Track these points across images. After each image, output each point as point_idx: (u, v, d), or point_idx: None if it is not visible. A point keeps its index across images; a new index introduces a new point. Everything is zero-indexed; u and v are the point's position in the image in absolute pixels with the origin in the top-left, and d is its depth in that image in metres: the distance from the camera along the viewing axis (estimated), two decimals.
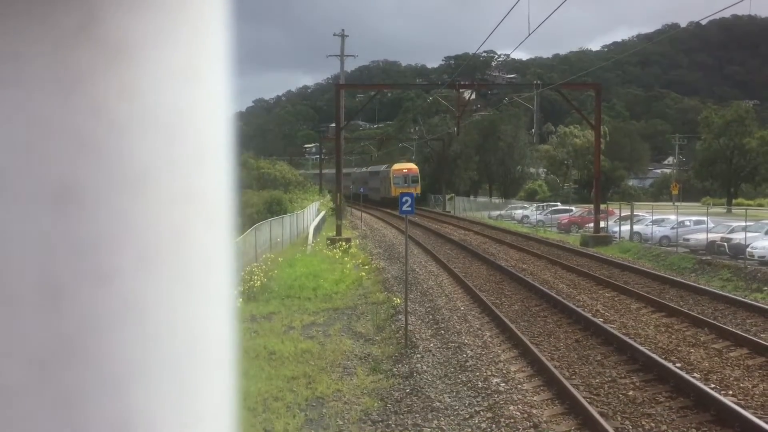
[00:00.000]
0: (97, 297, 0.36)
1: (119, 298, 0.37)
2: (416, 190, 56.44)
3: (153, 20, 0.38)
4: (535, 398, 9.45)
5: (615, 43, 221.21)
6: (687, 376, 9.77)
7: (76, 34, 0.36)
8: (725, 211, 49.72)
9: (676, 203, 47.58)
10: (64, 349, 0.36)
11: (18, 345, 0.35)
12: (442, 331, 13.38)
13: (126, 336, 0.37)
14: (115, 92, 0.37)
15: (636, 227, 31.64)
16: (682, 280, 18.61)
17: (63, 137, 0.35)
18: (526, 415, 8.78)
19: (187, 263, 0.40)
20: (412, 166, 65.70)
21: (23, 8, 0.35)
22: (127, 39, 0.37)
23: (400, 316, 13.93)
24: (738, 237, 23.97)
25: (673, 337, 12.64)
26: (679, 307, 14.63)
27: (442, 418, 8.83)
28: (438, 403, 9.33)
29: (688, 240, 27.32)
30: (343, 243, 26.01)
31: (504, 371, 10.67)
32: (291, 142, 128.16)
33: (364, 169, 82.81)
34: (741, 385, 9.91)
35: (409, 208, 12.72)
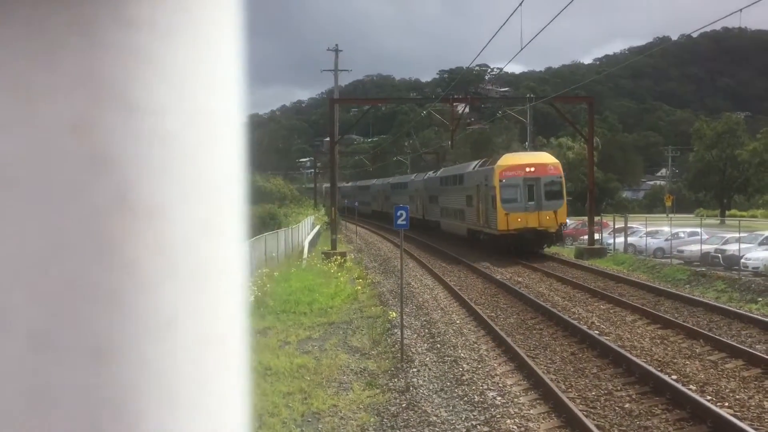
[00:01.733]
0: None
1: None
2: (559, 215, 28.41)
3: (180, 185, 0.40)
4: (531, 412, 9.43)
5: (607, 57, 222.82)
6: (683, 389, 9.78)
7: (114, 204, 0.38)
8: (719, 222, 49.90)
9: (670, 215, 47.77)
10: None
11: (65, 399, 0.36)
12: (438, 345, 13.36)
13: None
14: (146, 251, 0.38)
15: (630, 239, 31.72)
16: (677, 292, 18.63)
17: (98, 296, 0.37)
18: (522, 429, 8.77)
19: (215, 406, 0.41)
20: (546, 158, 30.79)
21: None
22: (160, 206, 0.39)
23: (395, 330, 13.90)
24: (732, 248, 24.07)
25: (668, 349, 12.65)
26: (674, 319, 14.65)
27: None
28: (434, 418, 9.30)
29: (682, 251, 27.41)
30: (338, 257, 25.98)
31: (500, 384, 10.65)
32: (285, 157, 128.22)
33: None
34: (737, 396, 9.92)
35: (404, 222, 12.74)
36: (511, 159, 29.75)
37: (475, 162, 34.43)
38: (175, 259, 0.39)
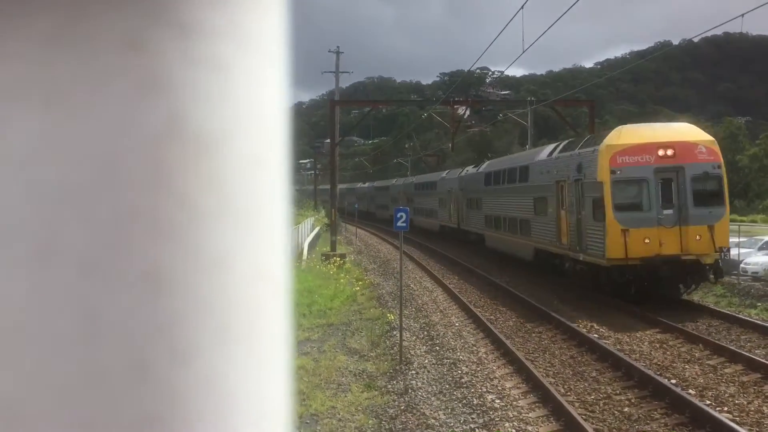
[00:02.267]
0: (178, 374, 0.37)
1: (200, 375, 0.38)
2: (718, 233, 16.82)
3: (233, 116, 0.40)
4: (530, 415, 9.42)
5: (608, 61, 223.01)
6: (682, 393, 9.76)
7: (165, 130, 0.37)
8: None
9: None
10: (150, 424, 0.36)
11: (103, 418, 0.36)
12: (437, 347, 13.35)
13: (206, 411, 0.38)
14: (199, 184, 0.38)
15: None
16: None
17: (149, 225, 0.37)
18: None
19: (261, 337, 0.41)
20: (692, 132, 17.72)
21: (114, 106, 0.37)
22: (211, 136, 0.39)
23: (394, 332, 13.89)
24: (731, 253, 24.03)
25: (667, 353, 12.63)
26: (673, 324, 14.63)
27: None
28: (433, 420, 9.28)
29: None
30: (338, 258, 25.97)
31: (499, 387, 10.64)
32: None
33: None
34: (736, 401, 9.90)
35: (404, 224, 12.73)
36: (631, 133, 17.47)
37: (553, 145, 22.78)
38: (227, 193, 0.39)
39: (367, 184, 77.66)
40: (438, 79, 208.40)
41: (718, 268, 16.83)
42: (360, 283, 21.32)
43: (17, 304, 0.36)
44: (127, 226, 0.37)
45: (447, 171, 42.73)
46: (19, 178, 0.36)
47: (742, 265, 22.16)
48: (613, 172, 16.79)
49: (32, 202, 0.36)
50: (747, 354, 11.95)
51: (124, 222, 0.36)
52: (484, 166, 31.49)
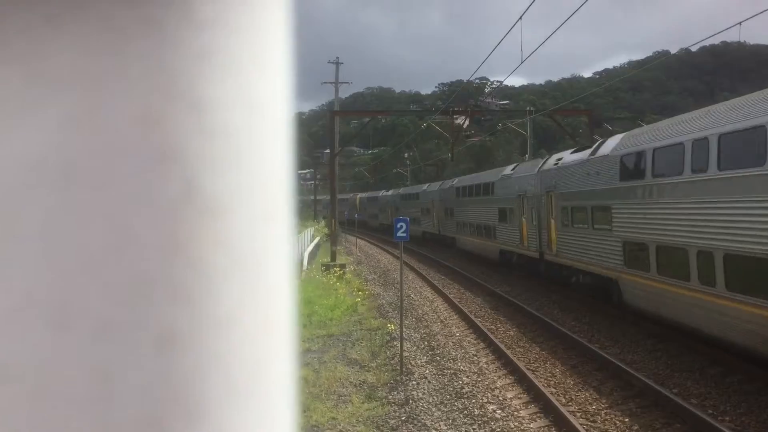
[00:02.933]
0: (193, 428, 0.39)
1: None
2: None
3: (242, 179, 0.42)
4: (531, 425, 9.39)
5: (606, 70, 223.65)
6: (684, 403, 9.73)
7: (180, 198, 0.39)
8: None
9: None
10: None
11: None
12: (438, 358, 13.32)
13: None
14: (210, 246, 0.40)
15: None
16: None
17: (162, 288, 0.38)
18: None
19: (268, 392, 0.42)
20: None
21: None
22: (223, 200, 0.40)
23: (395, 342, 13.86)
24: None
25: (669, 362, 12.60)
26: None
27: None
28: (434, 431, 9.25)
29: None
30: (338, 269, 25.95)
31: (500, 398, 10.61)
32: None
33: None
34: (737, 411, 9.87)
35: (404, 234, 12.73)
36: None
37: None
38: (238, 255, 0.41)
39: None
40: (437, 89, 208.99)
41: None
42: (360, 293, 21.30)
43: (35, 368, 0.36)
44: (141, 290, 0.38)
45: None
46: (38, 245, 0.37)
47: None
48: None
49: (51, 269, 0.37)
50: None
51: (138, 286, 0.38)
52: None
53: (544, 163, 21.92)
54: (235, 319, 0.40)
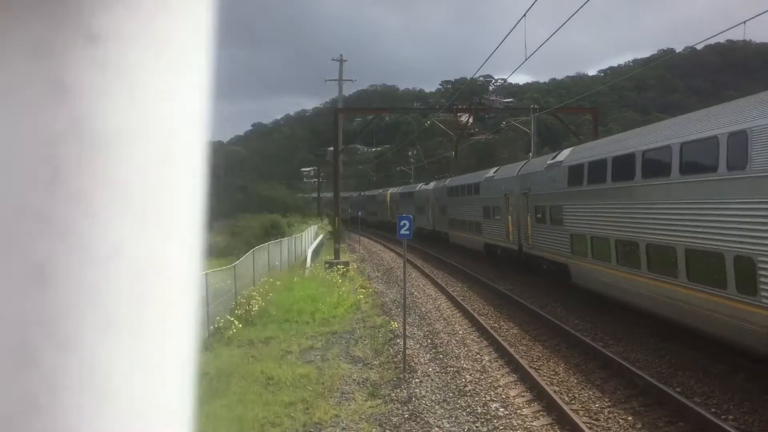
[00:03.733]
0: (62, 362, 0.38)
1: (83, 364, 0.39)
2: None
3: (134, 117, 0.40)
4: (534, 423, 9.38)
5: (611, 68, 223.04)
6: (687, 402, 9.71)
7: (65, 132, 0.38)
8: None
9: None
10: (29, 410, 0.37)
11: None
12: (441, 355, 13.31)
13: (86, 400, 0.39)
14: (97, 182, 0.39)
15: None
16: None
17: (40, 221, 0.38)
18: None
19: (151, 328, 0.41)
20: None
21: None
22: (115, 134, 0.39)
23: (398, 340, 13.86)
24: None
25: (673, 361, 12.57)
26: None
27: None
28: (437, 429, 9.25)
29: None
30: (342, 266, 25.95)
31: (503, 396, 10.60)
32: (288, 165, 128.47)
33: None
34: (741, 409, 9.85)
35: (407, 232, 12.72)
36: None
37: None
38: (125, 192, 0.40)
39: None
40: (441, 87, 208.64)
41: None
42: (363, 290, 21.30)
43: None
44: (17, 221, 0.37)
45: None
46: None
47: None
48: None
49: None
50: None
51: (14, 217, 0.37)
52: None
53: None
54: (118, 254, 0.40)
